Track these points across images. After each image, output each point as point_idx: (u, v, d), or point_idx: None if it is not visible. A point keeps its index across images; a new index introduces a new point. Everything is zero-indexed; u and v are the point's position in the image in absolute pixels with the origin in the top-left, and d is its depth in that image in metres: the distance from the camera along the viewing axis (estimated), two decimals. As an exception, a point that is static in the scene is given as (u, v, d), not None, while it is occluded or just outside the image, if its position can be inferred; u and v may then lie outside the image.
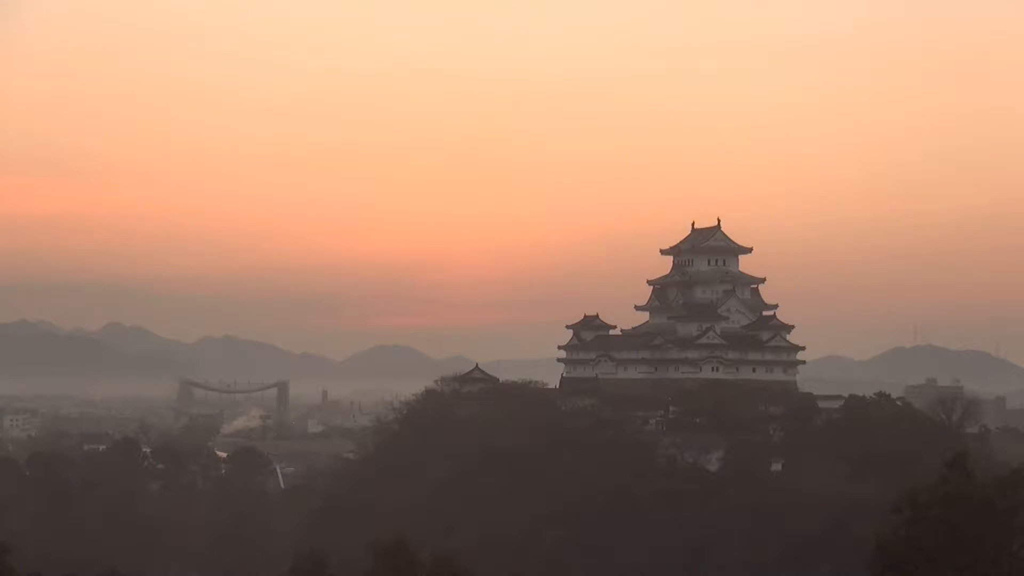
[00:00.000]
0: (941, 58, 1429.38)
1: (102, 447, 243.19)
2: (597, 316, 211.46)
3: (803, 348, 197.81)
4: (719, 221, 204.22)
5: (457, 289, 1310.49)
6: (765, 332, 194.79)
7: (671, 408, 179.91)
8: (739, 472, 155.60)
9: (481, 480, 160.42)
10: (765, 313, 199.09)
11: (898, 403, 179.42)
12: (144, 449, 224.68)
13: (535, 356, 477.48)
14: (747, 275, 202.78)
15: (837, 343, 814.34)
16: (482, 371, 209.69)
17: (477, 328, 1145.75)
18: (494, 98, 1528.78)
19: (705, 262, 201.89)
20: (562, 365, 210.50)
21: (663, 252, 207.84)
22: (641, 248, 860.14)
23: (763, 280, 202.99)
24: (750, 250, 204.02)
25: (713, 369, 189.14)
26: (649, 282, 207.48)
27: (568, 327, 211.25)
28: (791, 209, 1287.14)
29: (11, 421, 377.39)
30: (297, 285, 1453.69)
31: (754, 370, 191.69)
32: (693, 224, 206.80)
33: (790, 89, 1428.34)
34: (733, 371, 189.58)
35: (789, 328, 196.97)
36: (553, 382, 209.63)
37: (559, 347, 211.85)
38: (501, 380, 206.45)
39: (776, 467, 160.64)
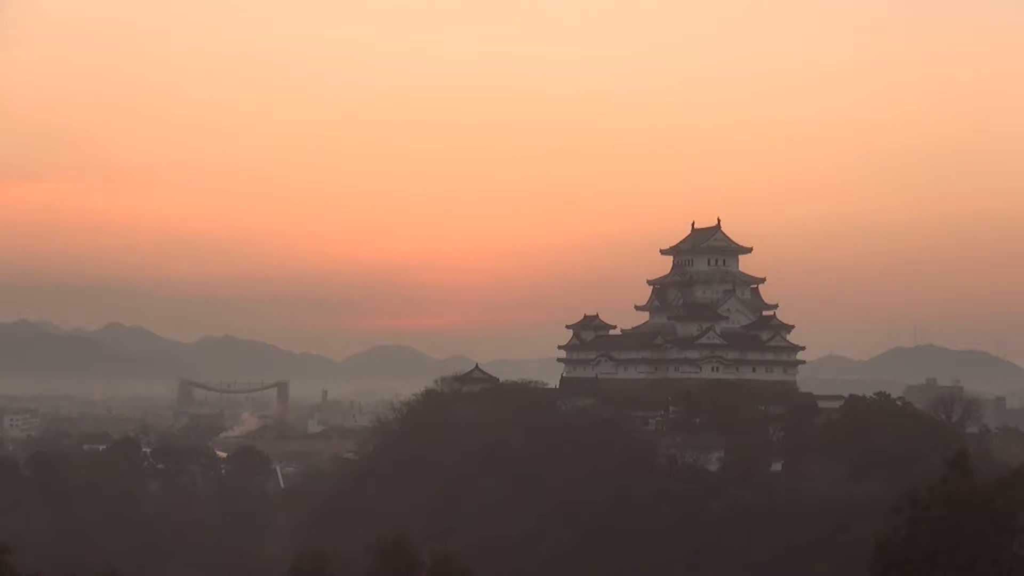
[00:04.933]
0: (942, 60, 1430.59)
1: (102, 447, 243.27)
2: (597, 316, 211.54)
3: (803, 348, 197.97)
4: (719, 221, 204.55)
5: (457, 289, 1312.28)
6: (765, 332, 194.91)
7: (671, 408, 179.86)
8: (739, 472, 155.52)
9: (481, 480, 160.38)
10: (765, 313, 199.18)
11: (898, 403, 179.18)
12: (144, 449, 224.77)
13: (535, 356, 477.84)
14: (747, 275, 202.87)
15: (837, 343, 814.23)
16: (482, 371, 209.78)
17: (477, 328, 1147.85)
18: (494, 99, 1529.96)
19: (705, 262, 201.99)
20: (562, 365, 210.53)
21: (663, 252, 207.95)
22: (641, 248, 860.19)
23: (763, 280, 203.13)
24: (750, 250, 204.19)
25: (713, 369, 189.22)
26: (649, 282, 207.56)
27: (568, 327, 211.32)
28: (791, 209, 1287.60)
29: (11, 421, 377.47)
30: (297, 285, 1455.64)
31: (754, 370, 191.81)
32: (693, 224, 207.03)
33: (791, 90, 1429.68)
34: (733, 371, 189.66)
35: (789, 328, 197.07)
36: (553, 382, 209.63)
37: (559, 347, 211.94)
38: (501, 380, 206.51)
39: (776, 467, 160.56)
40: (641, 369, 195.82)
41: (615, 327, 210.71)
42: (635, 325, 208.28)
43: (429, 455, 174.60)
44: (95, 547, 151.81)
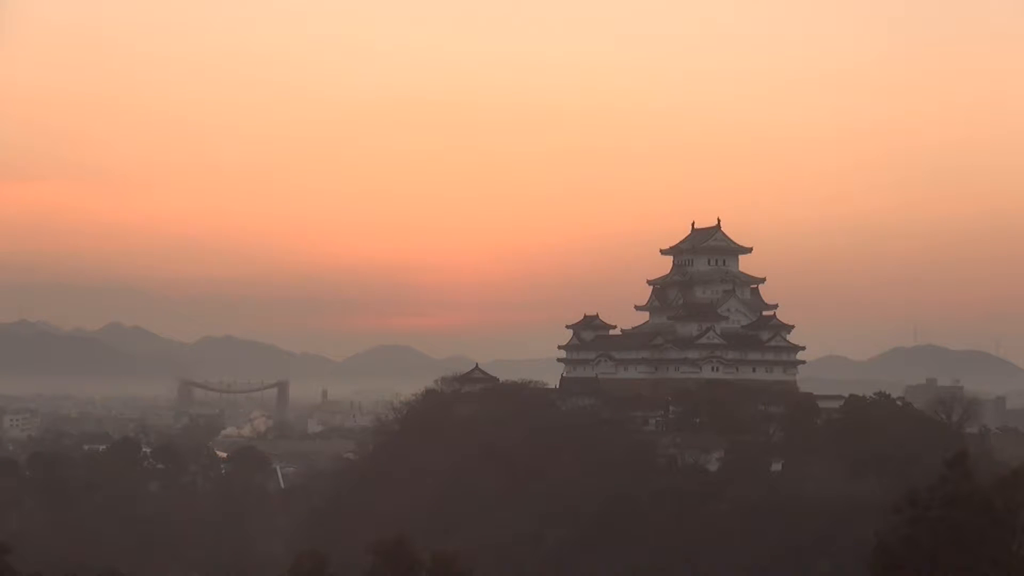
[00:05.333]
0: (942, 62, 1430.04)
1: (102, 447, 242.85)
2: (597, 316, 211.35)
3: (803, 348, 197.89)
4: (719, 221, 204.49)
5: (457, 289, 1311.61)
6: (765, 332, 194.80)
7: (671, 408, 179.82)
8: (739, 472, 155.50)
9: (481, 480, 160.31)
10: (765, 313, 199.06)
11: (898, 403, 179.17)
12: (144, 449, 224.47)
13: (535, 356, 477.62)
14: (747, 275, 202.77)
15: (837, 343, 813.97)
16: (482, 371, 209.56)
17: (477, 328, 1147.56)
18: (494, 101, 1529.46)
19: (705, 262, 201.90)
20: (562, 365, 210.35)
21: (663, 252, 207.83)
22: (641, 248, 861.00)
23: (763, 280, 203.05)
24: (750, 250, 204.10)
25: (713, 369, 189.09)
26: (649, 282, 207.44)
27: (568, 327, 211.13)
28: (791, 209, 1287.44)
29: (11, 421, 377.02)
30: (297, 285, 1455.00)
31: (754, 370, 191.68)
32: (693, 224, 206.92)
33: (792, 91, 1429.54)
34: (733, 371, 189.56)
35: (789, 328, 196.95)
36: (553, 382, 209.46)
37: (559, 347, 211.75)
38: (501, 380, 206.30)
39: (776, 467, 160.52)
40: (641, 369, 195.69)
41: (615, 327, 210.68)
42: (635, 325, 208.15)
43: (429, 455, 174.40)
44: (95, 547, 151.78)
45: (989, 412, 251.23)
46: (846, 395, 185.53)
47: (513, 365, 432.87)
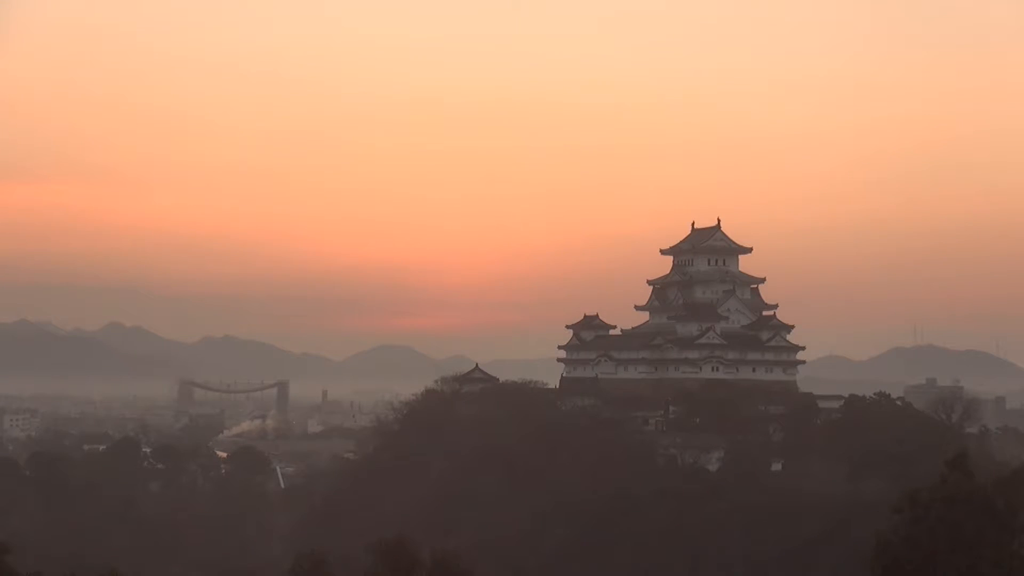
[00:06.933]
0: (942, 61, 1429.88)
1: (102, 447, 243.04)
2: (597, 316, 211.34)
3: (803, 348, 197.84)
4: (719, 221, 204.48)
5: (457, 289, 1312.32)
6: (765, 332, 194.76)
7: (671, 408, 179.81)
8: (739, 472, 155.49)
9: (481, 480, 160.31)
10: (765, 313, 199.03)
11: (898, 403, 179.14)
12: (144, 449, 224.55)
13: (535, 356, 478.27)
14: (747, 275, 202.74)
15: (837, 343, 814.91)
16: (482, 371, 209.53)
17: (477, 328, 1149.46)
18: (494, 101, 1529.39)
19: (705, 262, 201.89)
20: (562, 365, 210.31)
21: (663, 252, 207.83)
22: (641, 248, 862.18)
23: (763, 280, 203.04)
24: (750, 250, 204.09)
25: (713, 369, 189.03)
26: (649, 282, 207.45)
27: (568, 327, 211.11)
28: (791, 209, 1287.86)
29: (11, 421, 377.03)
30: (297, 285, 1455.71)
31: (754, 370, 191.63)
32: (693, 224, 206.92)
33: (791, 92, 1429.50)
34: (733, 371, 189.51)
35: (789, 328, 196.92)
36: (553, 382, 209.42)
37: (559, 347, 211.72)
38: (501, 380, 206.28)
39: (776, 467, 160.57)
40: (641, 369, 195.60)
41: (615, 327, 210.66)
42: (635, 325, 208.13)
43: (429, 455, 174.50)
44: (95, 547, 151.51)
45: (989, 412, 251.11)
46: (846, 395, 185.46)
47: (513, 365, 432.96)
